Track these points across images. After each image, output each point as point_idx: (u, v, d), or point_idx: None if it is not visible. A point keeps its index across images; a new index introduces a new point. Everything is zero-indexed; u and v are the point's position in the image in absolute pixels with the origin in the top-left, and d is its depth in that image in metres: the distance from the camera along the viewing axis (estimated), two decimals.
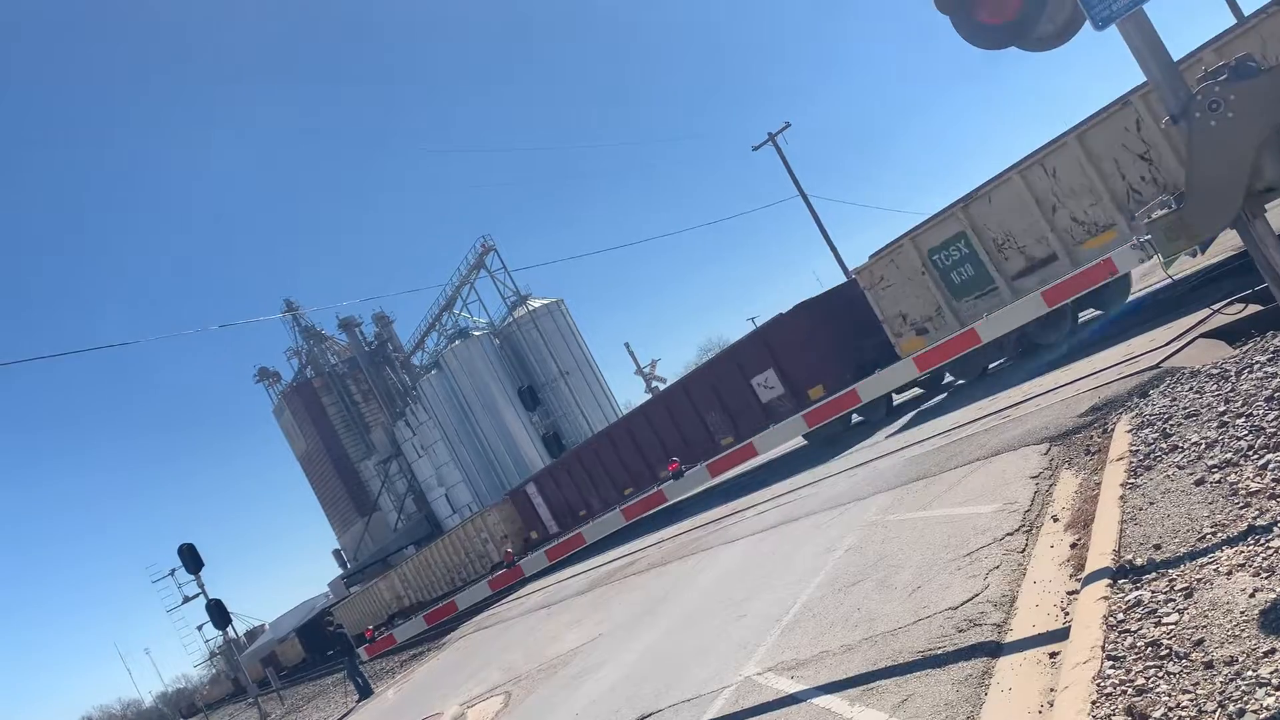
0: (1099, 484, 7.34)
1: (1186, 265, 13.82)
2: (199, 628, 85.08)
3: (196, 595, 41.25)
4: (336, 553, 79.00)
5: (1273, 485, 5.50)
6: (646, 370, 50.49)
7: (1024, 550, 6.94)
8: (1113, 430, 8.57)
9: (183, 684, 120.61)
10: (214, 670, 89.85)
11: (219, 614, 39.38)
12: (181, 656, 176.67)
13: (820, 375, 19.46)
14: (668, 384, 29.58)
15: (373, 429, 70.99)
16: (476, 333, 56.10)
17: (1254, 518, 5.21)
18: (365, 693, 23.54)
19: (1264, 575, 4.54)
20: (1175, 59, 6.39)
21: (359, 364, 70.95)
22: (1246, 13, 28.51)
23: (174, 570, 50.97)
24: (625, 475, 26.83)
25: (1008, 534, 7.39)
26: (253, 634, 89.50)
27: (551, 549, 10.66)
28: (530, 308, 55.27)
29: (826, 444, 19.55)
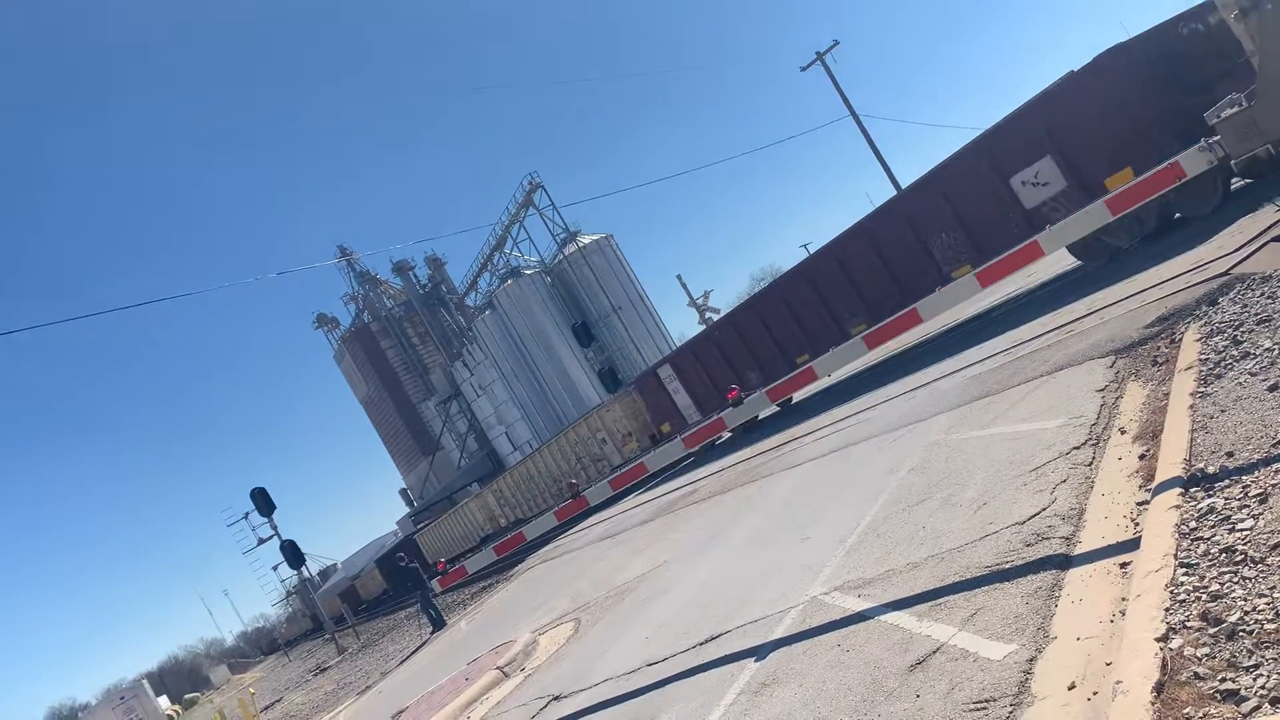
0: (1167, 394, 7.22)
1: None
2: (274, 568, 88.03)
3: (270, 537, 42.47)
4: (403, 492, 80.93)
5: None
6: (700, 301, 50.30)
7: (1091, 463, 6.87)
8: (1181, 340, 8.40)
9: (261, 623, 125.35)
10: (290, 609, 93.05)
11: (293, 554, 40.73)
12: (259, 596, 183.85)
13: (1126, 154, 14.36)
14: (872, 212, 21.21)
15: (431, 370, 72.04)
16: (528, 271, 56.31)
17: None
18: (439, 624, 24.25)
19: None
20: None
21: (414, 307, 71.82)
22: None
23: (248, 514, 52.50)
24: (800, 336, 21.74)
25: (1074, 448, 7.32)
26: (326, 573, 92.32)
27: (615, 478, 10.78)
28: (580, 244, 55.25)
29: (1110, 258, 15.61)
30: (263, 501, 40.17)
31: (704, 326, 38.40)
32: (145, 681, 63.84)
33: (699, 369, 26.05)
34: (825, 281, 20.68)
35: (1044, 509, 6.43)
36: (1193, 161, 8.43)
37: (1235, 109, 5.59)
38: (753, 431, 22.85)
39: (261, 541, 52.10)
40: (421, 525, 55.96)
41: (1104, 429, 7.48)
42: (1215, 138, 5.74)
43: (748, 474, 16.15)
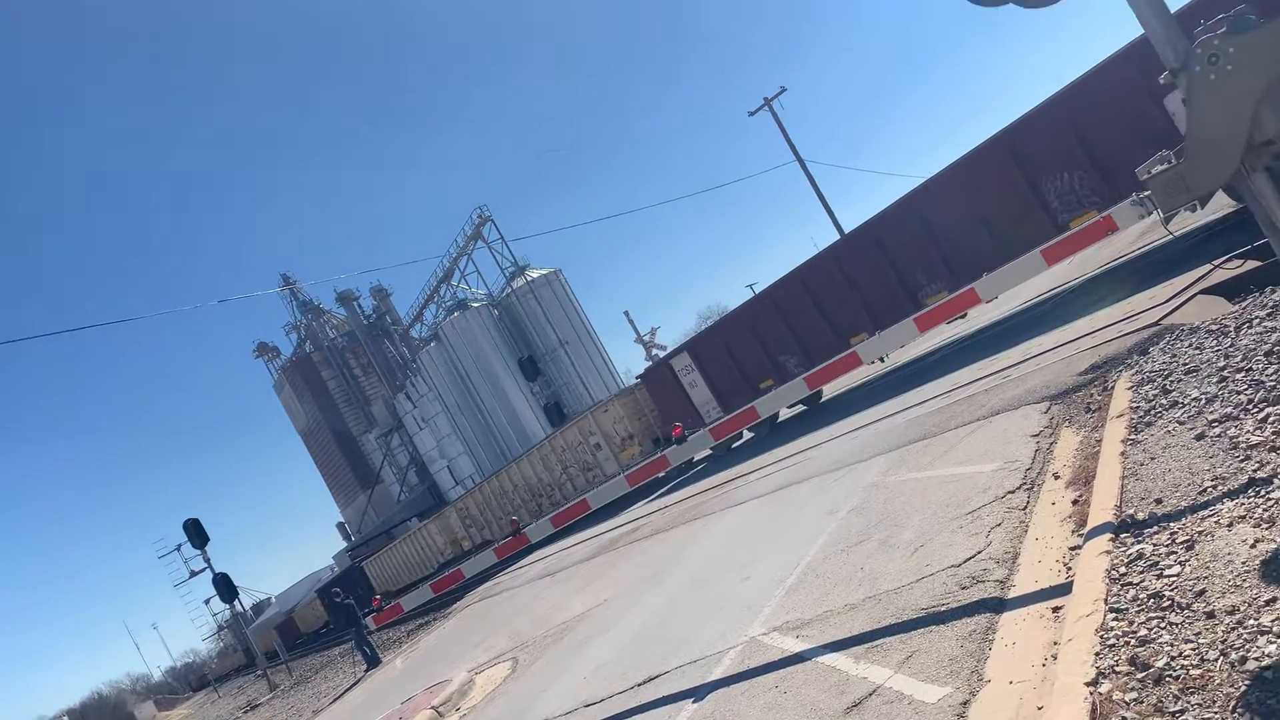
0: (1100, 441, 7.38)
1: (1187, 221, 13.82)
2: (206, 602, 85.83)
3: (203, 570, 41.54)
4: (341, 525, 79.52)
5: (1273, 438, 5.53)
6: (646, 338, 50.49)
7: (1026, 508, 6.98)
8: (1113, 388, 8.60)
9: (191, 658, 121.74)
10: (222, 644, 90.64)
11: (225, 587, 39.72)
12: (190, 631, 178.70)
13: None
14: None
15: (373, 402, 71.16)
16: (475, 304, 56.03)
17: (1254, 470, 5.25)
18: (373, 662, 23.75)
19: (1265, 526, 4.58)
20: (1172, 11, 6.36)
21: (358, 337, 71.06)
22: None
23: (180, 545, 51.33)
24: (848, 313, 19.21)
25: (1009, 492, 7.44)
26: (260, 607, 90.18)
27: (556, 515, 10.71)
28: (528, 278, 55.17)
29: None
30: (196, 533, 39.15)
31: (650, 363, 38.28)
32: (66, 718, 61.60)
33: (725, 358, 22.69)
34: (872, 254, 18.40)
35: (979, 552, 6.51)
36: (1124, 215, 8.75)
37: (1164, 166, 5.77)
38: (777, 434, 21.49)
39: (194, 574, 50.98)
40: (367, 552, 54.24)
41: (1038, 474, 7.62)
42: (1145, 193, 5.91)
43: (691, 511, 16.15)
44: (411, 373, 61.47)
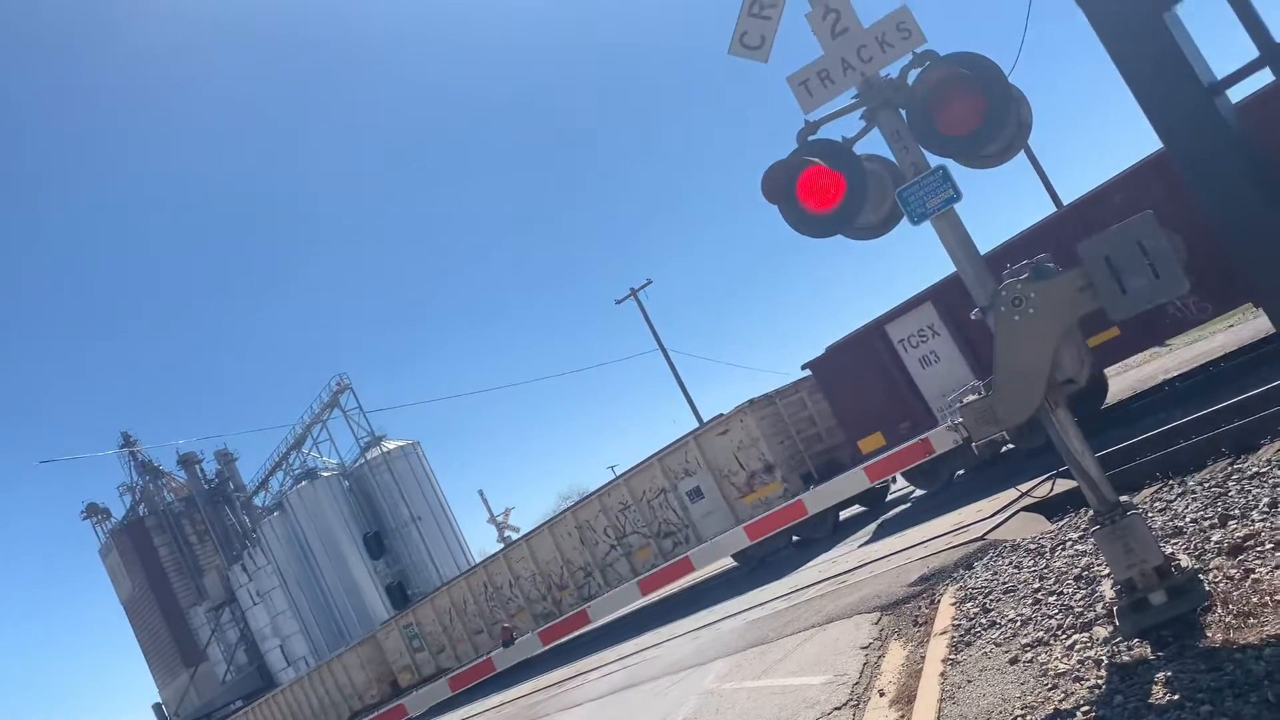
0: (923, 658, 7.43)
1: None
2: None
3: None
4: (157, 707, 72.78)
5: (1078, 667, 5.67)
6: (500, 518, 49.53)
7: None
8: (939, 602, 8.76)
9: None
10: None
11: None
12: None
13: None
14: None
15: (207, 573, 66.85)
16: (325, 473, 54.10)
17: (1059, 700, 5.34)
18: None
19: None
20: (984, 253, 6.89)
21: (196, 503, 67.35)
22: (1062, 197, 31.27)
23: None
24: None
25: (835, 708, 7.35)
26: None
27: (376, 717, 10.01)
28: (384, 449, 53.85)
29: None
30: None
31: (503, 544, 37.27)
32: None
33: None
34: None
35: None
36: (940, 439, 9.21)
37: (976, 396, 6.09)
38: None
39: None
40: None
41: (865, 689, 7.58)
42: (959, 420, 6.20)
43: (524, 713, 15.43)
44: (251, 543, 58.27)
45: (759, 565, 18.16)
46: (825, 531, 17.13)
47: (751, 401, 18.47)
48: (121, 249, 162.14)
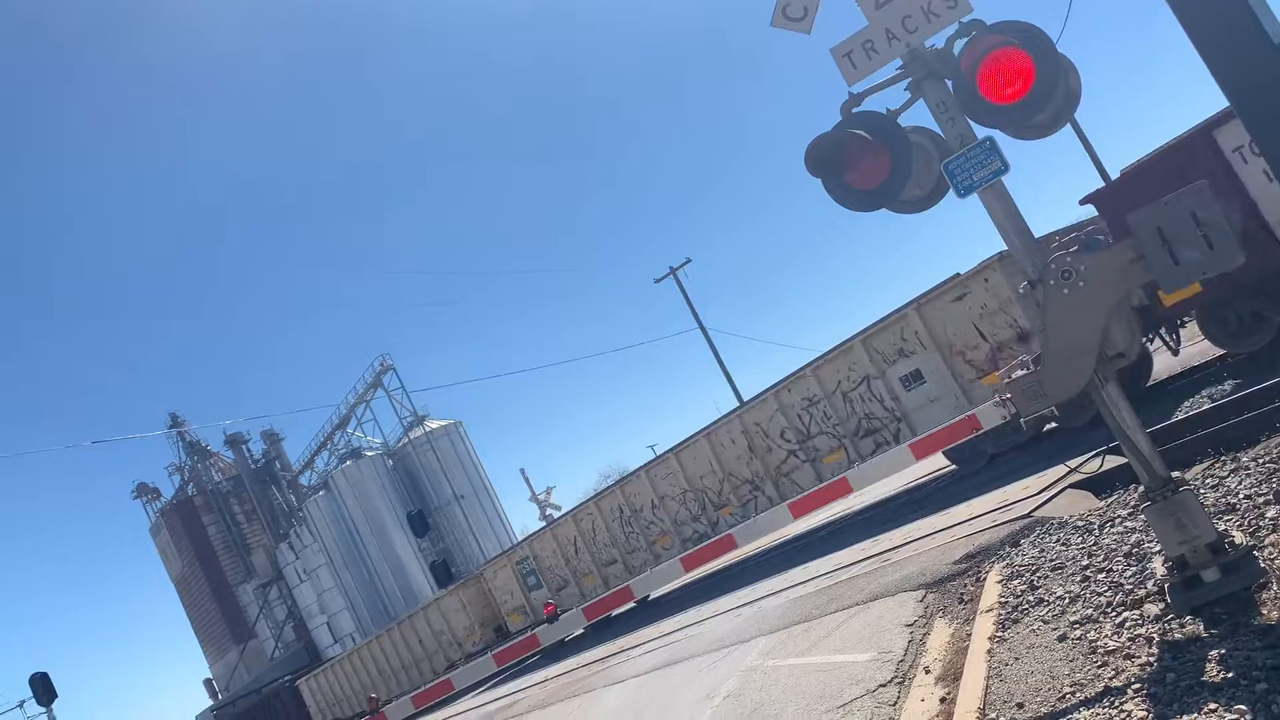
0: (969, 635, 7.38)
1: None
2: None
3: None
4: (208, 682, 74.41)
5: (1128, 644, 5.60)
6: (542, 497, 49.83)
7: (895, 703, 6.87)
8: (984, 579, 8.68)
9: None
10: None
11: None
12: None
13: None
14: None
15: (254, 551, 68.04)
16: (370, 453, 54.77)
17: (1110, 678, 5.28)
18: None
19: None
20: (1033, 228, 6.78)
21: (244, 482, 68.46)
22: (1108, 167, 30.66)
23: (23, 702, 46.98)
24: None
25: (880, 685, 7.33)
26: None
27: (418, 694, 10.16)
28: (427, 429, 54.37)
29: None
30: (43, 689, 36.08)
31: (545, 522, 37.46)
32: None
33: None
34: None
35: None
36: (988, 415, 9.13)
37: (1024, 372, 6.01)
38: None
39: None
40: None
41: (910, 666, 7.54)
42: (1007, 395, 6.13)
43: (570, 688, 15.55)
44: (297, 522, 59.19)
45: (988, 463, 15.50)
46: (1081, 420, 13.44)
47: (1002, 255, 14.37)
48: (170, 232, 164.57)
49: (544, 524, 36.07)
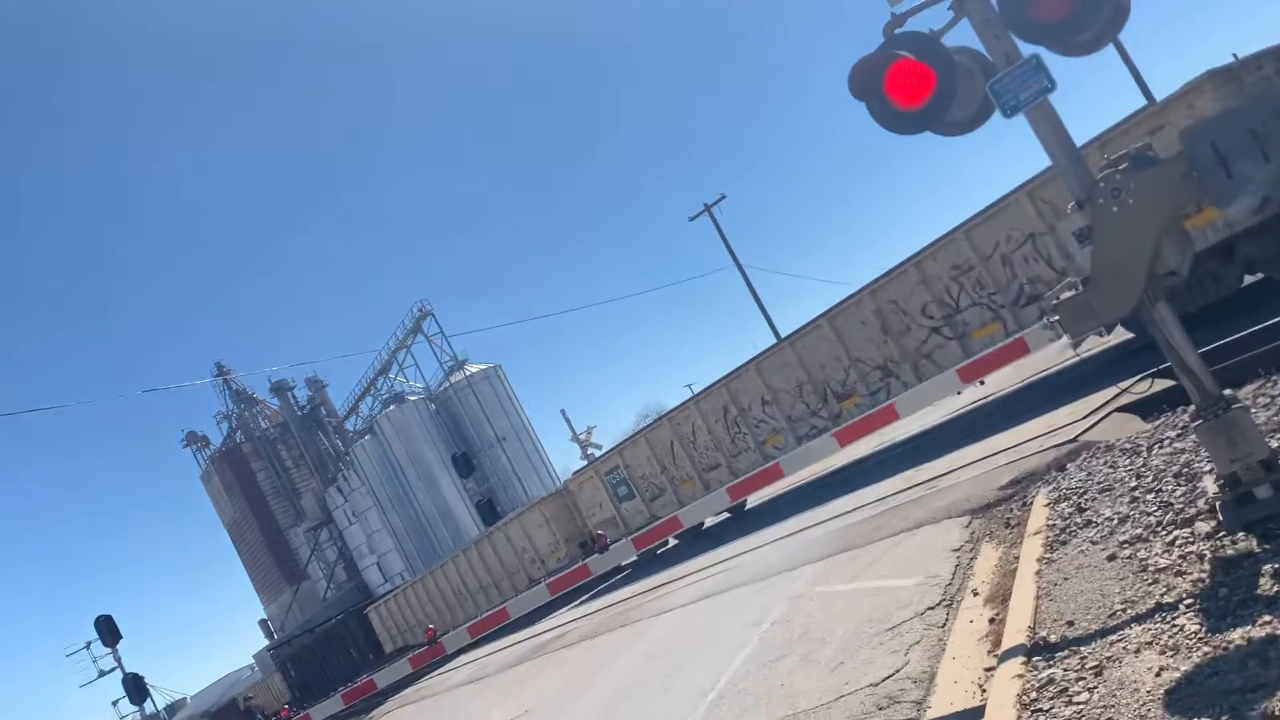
0: (1017, 558, 7.42)
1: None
2: (114, 704, 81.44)
3: (113, 669, 39.38)
4: (263, 623, 76.60)
5: (1179, 562, 5.61)
6: (583, 437, 50.18)
7: (944, 625, 6.96)
8: (1031, 504, 8.70)
9: None
10: None
11: (136, 689, 37.75)
12: None
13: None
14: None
15: (303, 495, 69.48)
16: (412, 397, 55.52)
17: (1161, 595, 5.30)
18: None
19: (1169, 654, 4.61)
20: (1079, 145, 6.66)
21: (290, 429, 69.64)
22: (1154, 90, 29.83)
23: (90, 643, 48.69)
24: None
25: (929, 608, 7.42)
26: (173, 708, 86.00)
27: (473, 624, 10.43)
28: (467, 373, 54.94)
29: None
30: (108, 631, 37.25)
31: (586, 461, 37.72)
32: None
33: None
34: None
35: (897, 671, 6.45)
36: (1036, 338, 9.06)
37: (1072, 292, 5.96)
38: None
39: (103, 674, 48.41)
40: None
41: (958, 590, 7.62)
42: (1055, 317, 6.08)
43: (618, 618, 15.86)
44: (344, 465, 60.30)
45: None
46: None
47: (1211, 73, 11.75)
48: (215, 188, 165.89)
49: (585, 461, 36.06)
